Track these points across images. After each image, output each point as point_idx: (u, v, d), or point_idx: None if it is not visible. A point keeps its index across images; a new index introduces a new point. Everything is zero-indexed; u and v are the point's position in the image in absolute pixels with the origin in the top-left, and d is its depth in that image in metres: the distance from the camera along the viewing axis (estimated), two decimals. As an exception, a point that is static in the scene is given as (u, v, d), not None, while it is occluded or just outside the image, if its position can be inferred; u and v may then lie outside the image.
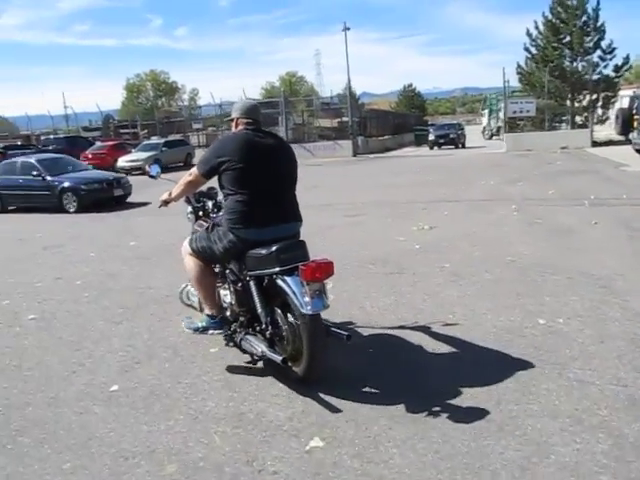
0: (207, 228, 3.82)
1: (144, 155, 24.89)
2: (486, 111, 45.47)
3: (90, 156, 26.21)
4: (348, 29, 28.55)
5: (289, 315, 3.40)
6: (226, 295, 3.91)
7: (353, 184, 16.21)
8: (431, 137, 33.98)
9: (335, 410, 3.19)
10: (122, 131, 37.68)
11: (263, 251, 3.38)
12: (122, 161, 24.78)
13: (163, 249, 7.96)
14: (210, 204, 4.27)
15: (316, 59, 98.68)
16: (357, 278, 6.01)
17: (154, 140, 29.30)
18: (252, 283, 3.54)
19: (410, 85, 74.35)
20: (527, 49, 29.01)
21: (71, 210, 13.65)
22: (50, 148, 28.85)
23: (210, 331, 3.87)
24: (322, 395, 3.36)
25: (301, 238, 3.73)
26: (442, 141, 33.15)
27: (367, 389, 3.47)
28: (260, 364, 3.76)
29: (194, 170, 3.77)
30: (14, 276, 7.10)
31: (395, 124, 44.53)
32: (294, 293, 3.23)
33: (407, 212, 10.37)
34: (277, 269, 3.33)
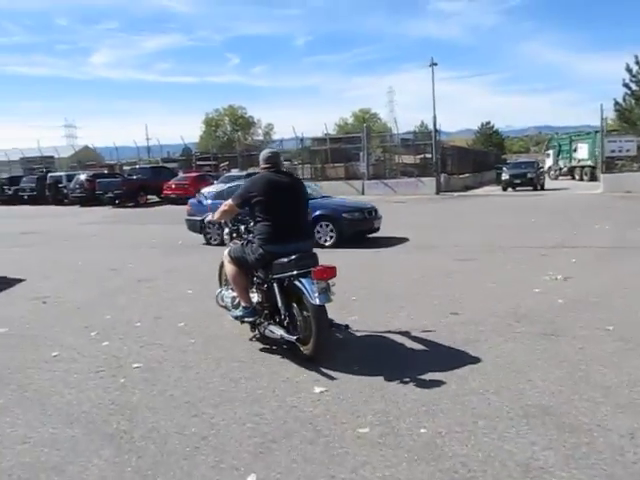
0: (242, 244, 4.98)
1: (225, 187, 24.82)
2: (551, 151, 43.51)
3: (173, 186, 26.54)
4: (435, 64, 27.93)
5: (303, 309, 4.49)
6: (253, 296, 4.99)
7: (448, 224, 15.22)
8: (505, 176, 30.26)
9: (332, 378, 4.21)
10: (202, 163, 38.32)
11: (285, 260, 4.51)
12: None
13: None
14: (242, 228, 5.25)
15: (389, 96, 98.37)
16: (505, 339, 5.05)
17: (235, 172, 29.37)
18: (275, 284, 4.66)
19: (488, 123, 72.87)
20: (626, 85, 27.37)
21: (327, 244, 11.21)
22: (133, 177, 29.58)
23: (245, 318, 5.04)
24: (323, 369, 4.37)
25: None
26: (518, 181, 29.59)
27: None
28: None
29: (229, 202, 5.00)
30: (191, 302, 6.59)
31: (475, 162, 43.22)
32: (307, 290, 4.35)
33: (525, 258, 9.31)
34: (295, 272, 4.46)
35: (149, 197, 28.08)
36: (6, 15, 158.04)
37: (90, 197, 27.81)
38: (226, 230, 5.50)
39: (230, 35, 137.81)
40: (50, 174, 33.06)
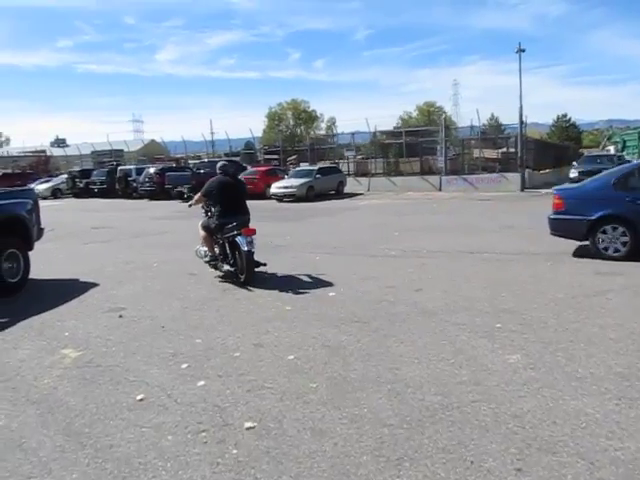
0: (208, 218, 8.20)
1: (297, 182, 23.76)
2: (612, 147, 40.02)
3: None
4: (523, 51, 25.73)
5: (240, 254, 7.57)
6: (215, 249, 8.14)
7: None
8: (573, 173, 24.36)
9: (251, 290, 7.44)
10: (269, 157, 37.44)
11: (229, 226, 7.65)
12: (275, 187, 23.82)
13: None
14: (212, 208, 8.11)
15: (453, 89, 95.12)
16: None
17: (306, 166, 28.28)
18: (226, 241, 7.83)
19: (564, 115, 68.94)
20: None
21: (616, 254, 8.54)
22: (201, 171, 28.94)
23: (211, 262, 8.13)
24: (250, 287, 7.38)
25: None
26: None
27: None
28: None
29: (199, 194, 8.32)
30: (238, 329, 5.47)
31: (554, 156, 40.44)
32: (240, 243, 7.46)
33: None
34: (235, 232, 7.58)
35: (218, 191, 27.39)
36: (78, 15, 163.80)
37: (159, 191, 27.37)
38: (203, 211, 8.51)
39: (291, 30, 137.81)
40: (120, 167, 33.00)
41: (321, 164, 30.16)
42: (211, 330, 5.59)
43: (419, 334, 5.19)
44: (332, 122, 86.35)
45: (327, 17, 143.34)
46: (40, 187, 34.11)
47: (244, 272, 7.54)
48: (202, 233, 8.18)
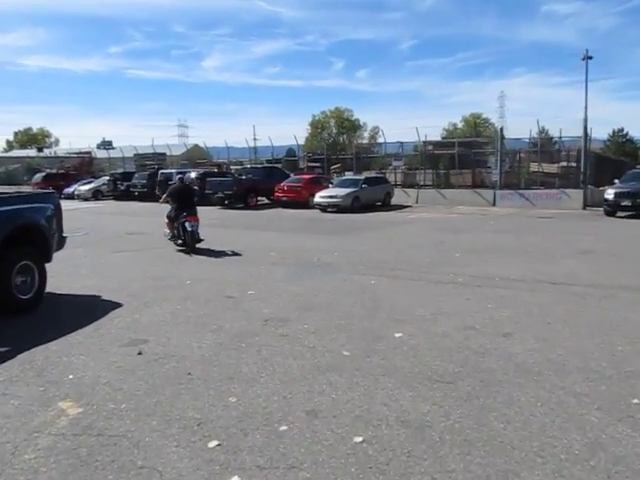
0: (170, 210, 12.41)
1: (343, 192, 22.47)
2: None
3: (285, 189, 24.54)
4: (590, 58, 23.90)
5: (185, 232, 11.81)
6: (174, 229, 12.21)
7: None
8: (609, 195, 19.71)
9: (192, 255, 11.32)
10: (312, 164, 36.33)
11: (181, 216, 11.93)
12: (319, 197, 22.58)
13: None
14: (172, 205, 12.44)
15: (500, 101, 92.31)
16: None
17: (351, 175, 27.00)
18: (180, 225, 11.92)
19: (621, 130, 65.76)
20: None
21: None
22: (243, 177, 28.00)
23: (172, 239, 12.18)
24: (193, 254, 11.11)
25: None
26: (627, 203, 19.01)
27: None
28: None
29: (165, 195, 13.03)
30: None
31: (611, 172, 38.06)
32: (187, 225, 11.73)
33: None
34: (184, 220, 11.83)
35: (259, 199, 26.28)
36: (129, 23, 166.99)
37: (199, 196, 26.48)
38: (170, 207, 12.55)
39: (335, 40, 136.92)
40: (161, 171, 32.38)
41: (367, 173, 28.83)
42: (250, 383, 4.35)
43: (529, 409, 3.83)
44: (375, 131, 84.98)
45: (371, 27, 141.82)
46: (82, 188, 33.88)
47: (189, 244, 11.78)
48: (166, 220, 12.47)
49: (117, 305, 7.02)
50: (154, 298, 7.42)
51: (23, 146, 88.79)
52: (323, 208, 22.32)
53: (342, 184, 24.15)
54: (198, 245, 11.90)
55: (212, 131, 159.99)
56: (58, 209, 7.72)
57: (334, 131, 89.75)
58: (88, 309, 6.87)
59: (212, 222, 18.81)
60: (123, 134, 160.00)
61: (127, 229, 16.51)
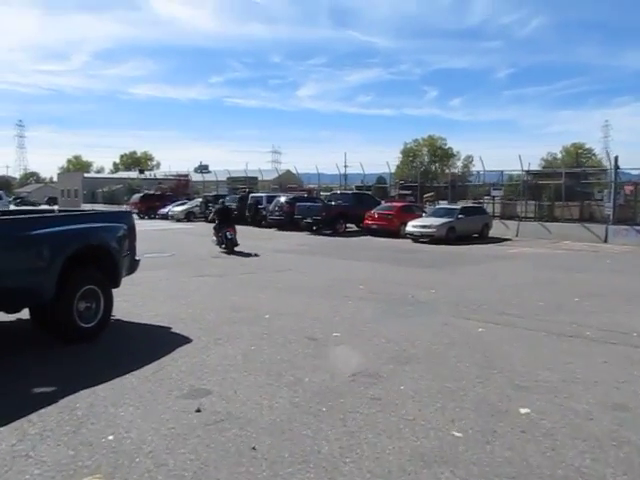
0: (215, 225, 17.49)
1: (437, 221, 21.07)
2: None
3: (376, 216, 23.47)
4: None
5: (227, 240, 16.55)
6: (218, 237, 16.98)
7: None
8: None
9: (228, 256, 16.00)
10: (404, 192, 35.04)
11: (223, 228, 16.83)
12: (411, 226, 21.30)
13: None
14: (217, 220, 17.72)
15: (603, 131, 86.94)
16: None
17: (446, 205, 25.50)
18: (223, 234, 16.68)
19: None
20: None
21: None
22: (333, 203, 27.25)
23: (217, 244, 16.87)
24: (232, 254, 15.52)
25: None
26: None
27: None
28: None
29: (212, 213, 20.57)
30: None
31: None
32: (227, 234, 16.55)
33: None
34: (225, 230, 16.70)
35: (348, 226, 25.38)
36: (230, 54, 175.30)
37: (288, 221, 25.98)
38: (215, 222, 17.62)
39: (429, 69, 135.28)
40: (252, 194, 32.41)
41: (462, 203, 27.19)
42: (329, 472, 3.26)
43: None
44: (469, 160, 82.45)
45: (467, 56, 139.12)
46: (175, 209, 34.57)
47: (229, 247, 16.13)
48: (213, 231, 17.17)
49: (186, 341, 6.20)
50: (227, 334, 6.54)
51: (127, 168, 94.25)
52: (415, 238, 21.01)
53: (436, 213, 22.73)
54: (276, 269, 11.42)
55: (304, 157, 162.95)
56: (132, 230, 7.08)
57: (426, 159, 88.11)
58: (153, 344, 6.10)
59: (299, 248, 18.08)
60: (219, 159, 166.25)
61: (213, 252, 16.07)
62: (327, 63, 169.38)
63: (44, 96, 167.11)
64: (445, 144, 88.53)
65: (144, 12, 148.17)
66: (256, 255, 15.73)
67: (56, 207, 22.79)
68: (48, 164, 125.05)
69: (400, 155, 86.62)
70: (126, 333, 6.62)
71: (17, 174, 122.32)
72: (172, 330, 6.71)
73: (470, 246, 19.75)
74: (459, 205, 24.65)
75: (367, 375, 5.06)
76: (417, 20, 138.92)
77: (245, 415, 4.09)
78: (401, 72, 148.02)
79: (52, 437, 3.70)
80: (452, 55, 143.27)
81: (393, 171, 55.04)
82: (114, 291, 6.71)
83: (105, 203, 51.38)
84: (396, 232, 22.13)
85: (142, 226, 27.05)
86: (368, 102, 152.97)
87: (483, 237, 22.87)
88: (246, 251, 16.60)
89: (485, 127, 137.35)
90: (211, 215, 19.18)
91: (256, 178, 47.67)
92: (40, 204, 64.50)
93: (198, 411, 4.14)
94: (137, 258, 7.35)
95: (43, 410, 4.13)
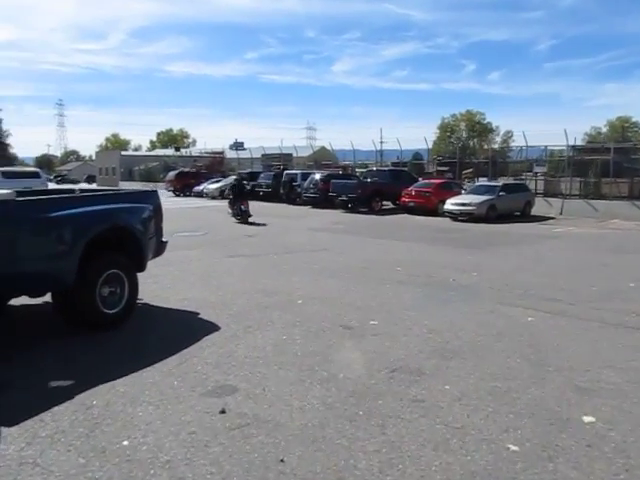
0: (230, 199, 20.18)
1: (477, 199, 20.27)
2: None
3: (413, 193, 22.76)
4: None
5: (242, 212, 18.53)
6: (233, 210, 19.15)
7: None
8: None
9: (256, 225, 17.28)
10: (442, 169, 34.06)
11: (237, 201, 18.96)
12: (450, 204, 20.57)
13: None
14: (231, 194, 20.69)
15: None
16: None
17: (486, 182, 24.58)
18: (237, 207, 18.70)
19: None
20: None
21: None
22: (368, 180, 26.61)
23: (232, 215, 18.97)
24: (245, 224, 17.32)
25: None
26: None
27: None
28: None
29: (228, 188, 24.86)
30: None
31: None
32: (242, 207, 18.52)
33: None
34: (239, 203, 18.77)
35: (384, 203, 24.73)
36: (265, 30, 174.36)
37: (323, 198, 25.49)
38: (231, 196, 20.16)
39: (467, 42, 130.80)
40: (286, 171, 31.99)
41: (504, 180, 26.19)
42: (368, 490, 2.84)
43: None
44: (509, 135, 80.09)
45: (506, 27, 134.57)
46: (210, 187, 34.45)
47: (243, 218, 18.14)
48: (229, 205, 19.67)
49: (214, 328, 5.86)
50: (258, 321, 6.17)
51: (164, 146, 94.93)
52: (454, 216, 20.30)
53: (476, 191, 21.90)
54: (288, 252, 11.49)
55: (339, 134, 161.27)
56: (158, 210, 6.74)
57: (464, 135, 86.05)
58: (179, 332, 5.77)
59: (333, 227, 17.59)
60: (254, 136, 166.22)
61: (246, 231, 15.76)
62: (362, 37, 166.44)
63: (82, 75, 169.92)
64: (484, 119, 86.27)
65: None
66: (289, 234, 15.35)
67: (78, 186, 22.72)
68: (87, 142, 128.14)
69: (437, 131, 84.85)
70: (152, 319, 6.33)
71: (58, 152, 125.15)
72: (200, 316, 6.38)
73: (512, 225, 18.94)
74: (500, 182, 23.72)
75: (408, 371, 4.62)
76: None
77: (273, 418, 3.70)
78: (438, 45, 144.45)
79: (63, 441, 3.38)
80: (490, 27, 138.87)
81: (430, 147, 53.82)
82: (144, 272, 6.44)
83: (142, 181, 51.72)
84: (434, 210, 21.43)
85: (177, 204, 27.12)
86: (404, 77, 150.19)
87: (525, 215, 21.95)
88: (279, 230, 16.23)
89: (525, 101, 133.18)
90: (226, 191, 21.33)
91: (291, 155, 47.22)
92: (79, 182, 65.68)
93: (222, 412, 3.78)
94: (164, 240, 7.02)
95: (57, 408, 3.83)
